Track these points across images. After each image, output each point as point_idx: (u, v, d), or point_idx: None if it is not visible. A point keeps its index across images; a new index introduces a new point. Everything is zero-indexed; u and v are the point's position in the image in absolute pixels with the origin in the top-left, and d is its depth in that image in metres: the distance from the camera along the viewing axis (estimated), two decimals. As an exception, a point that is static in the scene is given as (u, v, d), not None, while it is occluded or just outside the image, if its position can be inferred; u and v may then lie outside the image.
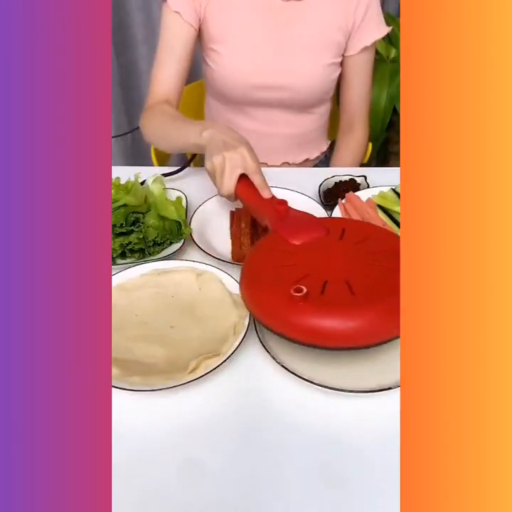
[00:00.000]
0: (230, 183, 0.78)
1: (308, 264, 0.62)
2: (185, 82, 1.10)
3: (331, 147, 1.30)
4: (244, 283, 0.64)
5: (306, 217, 0.74)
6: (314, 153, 1.23)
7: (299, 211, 0.75)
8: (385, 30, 1.07)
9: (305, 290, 0.56)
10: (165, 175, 0.95)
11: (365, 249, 0.64)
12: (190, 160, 1.01)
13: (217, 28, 1.03)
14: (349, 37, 1.06)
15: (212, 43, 1.05)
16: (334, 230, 0.68)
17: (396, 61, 1.68)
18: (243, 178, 0.79)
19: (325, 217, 0.78)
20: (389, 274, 0.58)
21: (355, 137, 1.17)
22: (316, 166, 1.27)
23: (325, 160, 1.28)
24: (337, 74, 1.10)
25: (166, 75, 1.05)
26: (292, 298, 0.55)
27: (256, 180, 0.78)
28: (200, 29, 1.05)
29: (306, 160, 1.22)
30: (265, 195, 0.78)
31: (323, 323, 0.55)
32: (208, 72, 1.11)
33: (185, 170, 1.01)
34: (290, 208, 0.75)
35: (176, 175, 1.00)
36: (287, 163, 1.21)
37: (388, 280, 0.57)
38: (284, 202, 0.75)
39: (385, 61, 1.68)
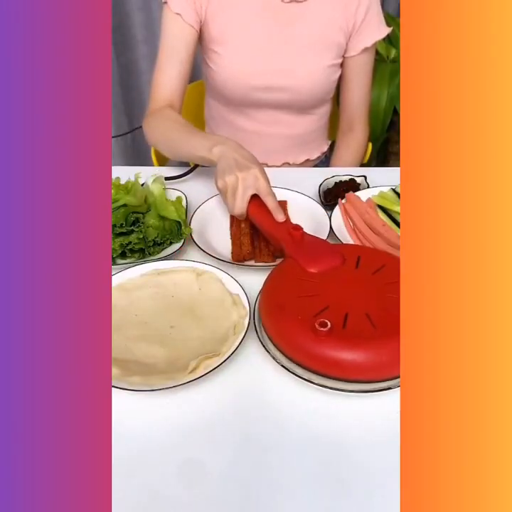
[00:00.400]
0: (242, 204, 0.79)
1: (328, 295, 0.63)
2: (187, 83, 1.09)
3: (331, 147, 1.30)
4: (266, 311, 0.65)
5: (322, 244, 0.74)
6: (315, 154, 1.23)
7: (314, 237, 0.75)
8: (385, 30, 1.07)
9: (329, 325, 0.57)
10: (167, 178, 0.94)
11: (381, 279, 0.65)
12: (194, 168, 1.00)
13: (218, 29, 1.02)
14: (349, 38, 1.06)
15: (213, 45, 1.05)
16: (350, 258, 0.69)
17: (396, 61, 1.68)
18: (254, 198, 0.79)
19: (339, 244, 0.79)
20: None
21: (355, 137, 1.17)
22: (316, 166, 1.27)
23: (325, 160, 1.28)
24: (337, 75, 1.10)
25: (167, 78, 1.04)
26: (316, 332, 0.57)
27: (269, 202, 0.78)
28: (200, 30, 1.04)
29: (307, 160, 1.22)
30: (279, 219, 0.77)
31: (347, 356, 0.57)
32: (208, 73, 1.11)
33: (185, 170, 1.01)
34: (305, 233, 0.75)
35: (174, 174, 1.00)
36: (288, 163, 1.20)
37: None
38: (299, 227, 0.74)
39: (385, 61, 1.68)
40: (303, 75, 1.05)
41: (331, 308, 0.61)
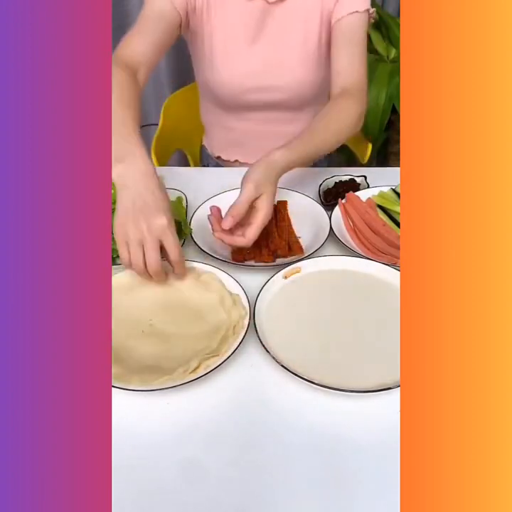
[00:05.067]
0: (157, 256, 0.65)
1: None
2: (158, 59, 0.96)
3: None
4: None
5: None
6: None
7: None
8: (364, 5, 0.98)
9: None
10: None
11: None
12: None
13: (206, 33, 1.02)
14: (329, 20, 1.01)
15: (202, 49, 1.05)
16: None
17: (396, 61, 1.68)
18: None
19: None
20: None
21: (349, 103, 0.97)
22: (315, 166, 1.26)
23: (325, 160, 1.28)
24: (327, 70, 1.08)
25: (136, 40, 0.92)
26: None
27: (174, 258, 0.67)
28: (190, 29, 1.03)
29: None
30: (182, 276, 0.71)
31: None
32: (198, 76, 1.12)
33: (185, 170, 1.01)
34: None
35: (176, 175, 1.00)
36: None
37: None
38: None
39: (385, 61, 1.68)
40: (292, 72, 1.05)
41: None
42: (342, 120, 0.93)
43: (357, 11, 0.97)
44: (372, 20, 1.04)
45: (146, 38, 0.93)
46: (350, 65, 1.00)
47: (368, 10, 0.99)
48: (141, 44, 0.92)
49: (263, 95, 1.07)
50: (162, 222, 0.64)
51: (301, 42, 1.03)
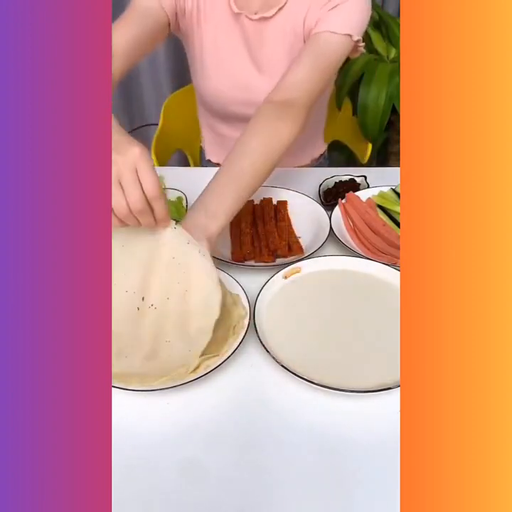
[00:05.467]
0: (138, 192, 0.58)
1: None
2: (138, 54, 0.94)
3: (329, 149, 1.30)
4: None
5: None
6: (307, 159, 1.22)
7: None
8: (344, 30, 0.88)
9: None
10: None
11: None
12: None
13: (196, 38, 1.01)
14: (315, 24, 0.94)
15: (193, 53, 1.05)
16: None
17: (396, 61, 1.68)
18: None
19: None
20: None
21: (285, 123, 0.82)
22: (315, 166, 1.26)
23: (325, 160, 1.28)
24: None
25: (117, 35, 0.91)
26: None
27: (157, 206, 0.61)
28: (181, 32, 1.02)
29: (301, 166, 1.22)
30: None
31: None
32: (194, 82, 1.12)
33: (185, 170, 1.01)
34: None
35: (174, 174, 1.00)
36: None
37: None
38: None
39: (385, 61, 1.68)
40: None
41: None
42: (270, 148, 0.79)
43: (335, 33, 0.88)
44: (359, 54, 0.95)
45: (128, 31, 0.91)
46: (305, 81, 0.87)
47: (350, 36, 0.88)
48: (121, 36, 0.90)
49: (250, 109, 1.00)
50: (135, 150, 0.59)
51: (289, 58, 1.00)
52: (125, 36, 0.90)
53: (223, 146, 1.19)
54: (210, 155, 1.25)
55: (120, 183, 0.58)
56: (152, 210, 0.61)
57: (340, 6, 0.89)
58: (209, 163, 1.26)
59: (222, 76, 1.03)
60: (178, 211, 0.83)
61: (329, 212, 0.87)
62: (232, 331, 0.65)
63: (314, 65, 0.88)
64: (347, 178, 0.97)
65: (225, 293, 0.71)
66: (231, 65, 1.02)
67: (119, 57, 0.89)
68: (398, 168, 1.05)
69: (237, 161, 0.78)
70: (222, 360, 0.60)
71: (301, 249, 0.81)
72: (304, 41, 0.96)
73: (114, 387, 0.57)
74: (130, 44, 0.90)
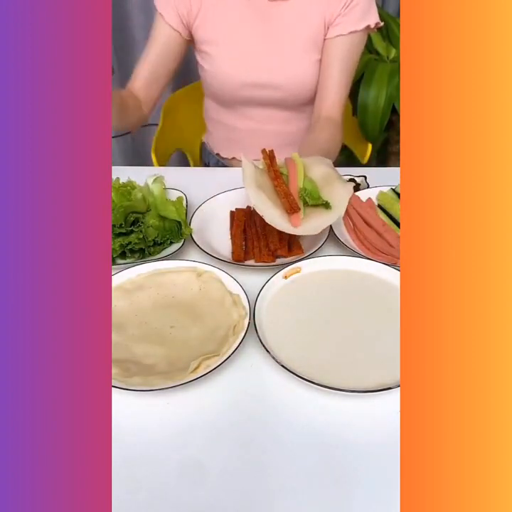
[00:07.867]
0: None
1: None
2: (166, 82, 1.13)
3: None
4: None
5: None
6: None
7: None
8: (362, 24, 1.03)
9: None
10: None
11: None
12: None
13: (209, 30, 1.06)
14: (329, 27, 1.04)
15: (204, 45, 1.08)
16: None
17: (396, 61, 1.68)
18: None
19: None
20: None
21: (333, 124, 1.07)
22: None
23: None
24: None
25: (139, 67, 1.10)
26: None
27: None
28: (192, 33, 1.08)
29: None
30: None
31: None
32: (202, 73, 1.15)
33: (185, 170, 1.02)
34: None
35: (174, 174, 1.00)
36: None
37: None
38: None
39: (385, 61, 1.68)
40: (291, 71, 1.07)
41: None
42: (324, 147, 1.00)
43: (356, 31, 1.03)
44: (376, 30, 1.07)
45: (144, 63, 1.10)
46: (337, 89, 1.06)
47: (368, 26, 1.03)
48: (138, 70, 1.10)
49: (260, 92, 1.09)
50: None
51: (302, 42, 1.04)
52: (141, 68, 1.10)
53: (234, 140, 1.21)
54: (221, 150, 1.27)
55: None
56: None
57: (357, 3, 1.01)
58: (217, 157, 1.28)
59: (233, 58, 1.06)
60: (178, 211, 0.83)
61: (329, 213, 0.87)
62: (232, 331, 0.65)
63: (344, 68, 1.05)
64: (347, 178, 0.97)
65: (225, 293, 0.71)
66: (242, 48, 1.05)
67: (138, 84, 1.11)
68: (398, 168, 1.05)
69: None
70: (222, 360, 0.60)
71: (301, 249, 0.81)
72: (324, 24, 1.04)
73: (114, 387, 0.57)
74: (146, 71, 1.10)
